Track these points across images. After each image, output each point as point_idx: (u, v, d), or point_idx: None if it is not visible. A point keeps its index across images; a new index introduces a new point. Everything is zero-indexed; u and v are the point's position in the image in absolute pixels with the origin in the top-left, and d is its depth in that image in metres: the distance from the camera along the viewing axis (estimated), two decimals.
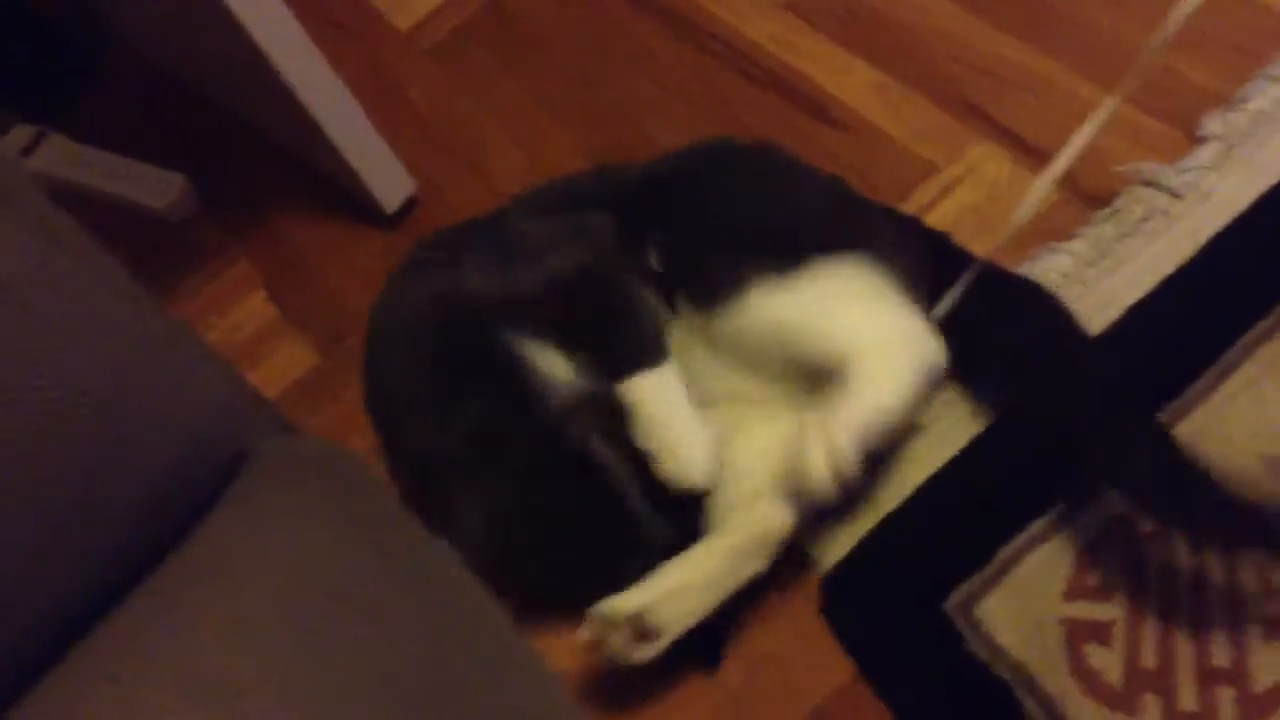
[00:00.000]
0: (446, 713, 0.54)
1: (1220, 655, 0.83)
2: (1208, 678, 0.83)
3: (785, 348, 0.95)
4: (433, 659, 0.58)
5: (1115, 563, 0.89)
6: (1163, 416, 0.93)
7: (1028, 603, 0.89)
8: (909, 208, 1.12)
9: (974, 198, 1.11)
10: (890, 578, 0.93)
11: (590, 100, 1.37)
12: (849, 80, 1.24)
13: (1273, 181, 1.01)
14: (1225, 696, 0.82)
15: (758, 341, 0.95)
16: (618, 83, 1.37)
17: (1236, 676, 0.82)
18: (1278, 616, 0.83)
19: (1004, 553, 0.92)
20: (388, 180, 1.31)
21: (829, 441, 0.88)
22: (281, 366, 1.28)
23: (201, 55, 1.41)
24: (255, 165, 1.46)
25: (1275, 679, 0.81)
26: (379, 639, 0.56)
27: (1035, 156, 1.11)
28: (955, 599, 0.91)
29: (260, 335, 1.32)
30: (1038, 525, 0.92)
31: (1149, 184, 1.05)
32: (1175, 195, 1.04)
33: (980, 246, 1.06)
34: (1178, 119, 1.08)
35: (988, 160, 1.13)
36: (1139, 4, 1.17)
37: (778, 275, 0.94)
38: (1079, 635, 0.87)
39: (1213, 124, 1.06)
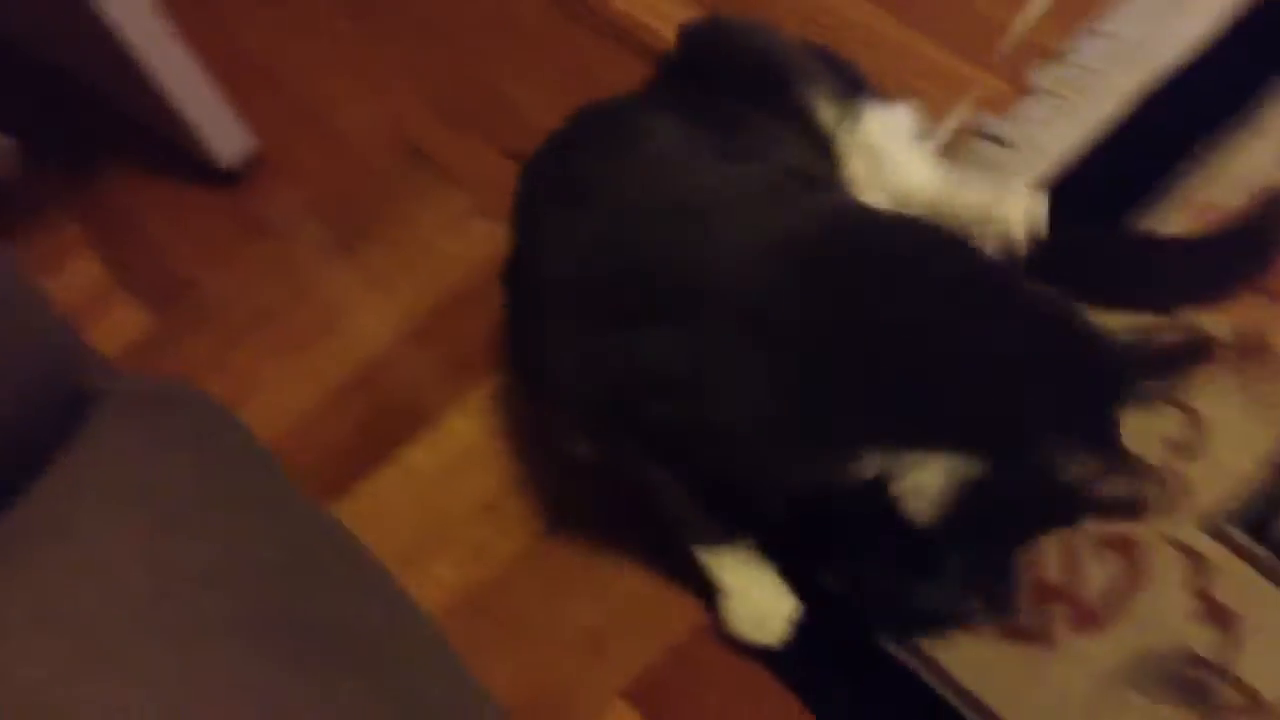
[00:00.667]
0: (300, 639, 0.53)
1: (1054, 571, 0.87)
2: (1044, 595, 0.86)
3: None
4: (288, 588, 0.57)
5: None
6: None
7: None
8: None
9: None
10: None
11: (444, 57, 1.34)
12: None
13: (1099, 134, 1.06)
14: (1060, 612, 0.86)
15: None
16: (471, 39, 1.35)
17: (1068, 592, 0.86)
18: (1105, 536, 0.88)
19: None
20: (223, 134, 1.26)
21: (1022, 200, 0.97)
22: (113, 329, 1.23)
23: (25, 8, 1.35)
24: (86, 124, 1.40)
25: (1103, 591, 0.85)
26: (232, 570, 0.56)
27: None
28: None
29: (91, 297, 1.26)
30: None
31: (983, 136, 1.09)
32: (1008, 146, 1.08)
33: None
34: (1004, 71, 1.12)
35: None
36: None
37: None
38: None
39: (1043, 77, 1.10)
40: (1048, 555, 0.88)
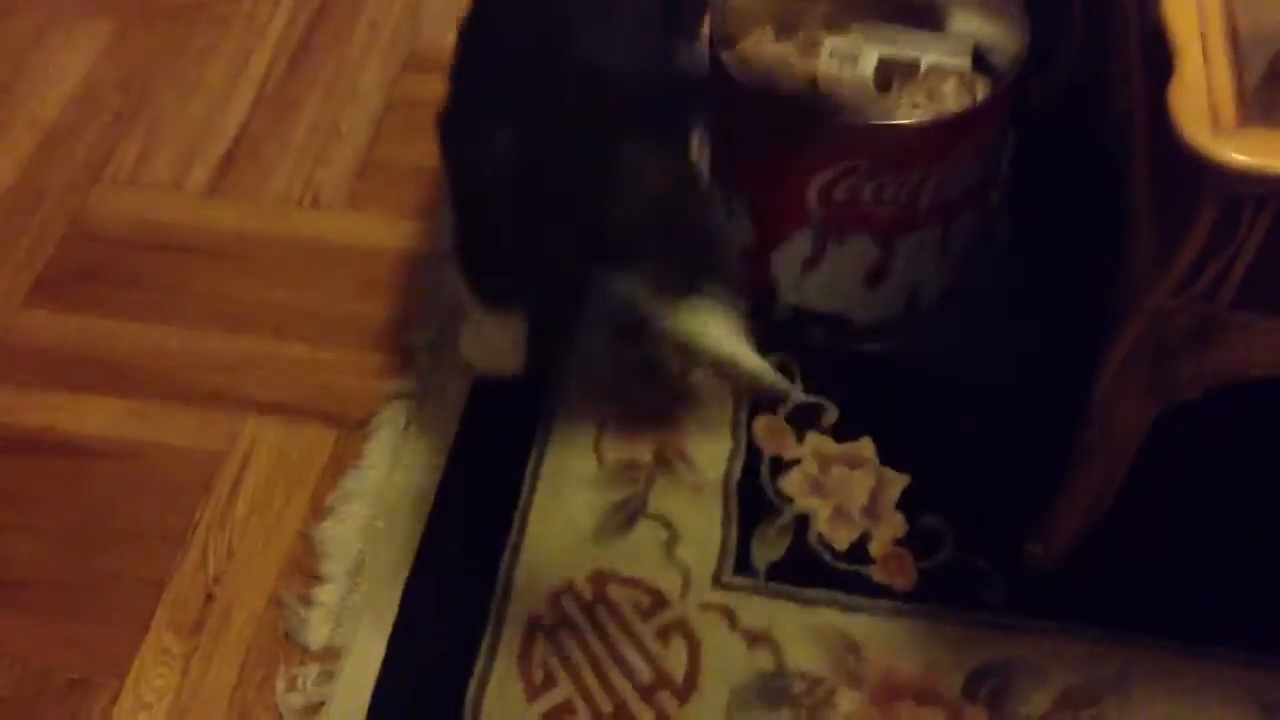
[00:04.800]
0: None
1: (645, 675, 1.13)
2: (646, 694, 1.11)
3: None
4: None
5: (550, 658, 1.13)
6: None
7: None
8: (213, 500, 1.25)
9: (269, 466, 1.28)
10: None
11: None
12: (99, 416, 1.32)
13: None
14: (665, 698, 1.11)
15: None
16: None
17: (662, 683, 1.12)
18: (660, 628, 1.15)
19: (469, 700, 1.11)
20: None
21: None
22: None
23: None
24: None
25: (686, 668, 1.13)
26: None
27: (290, 410, 1.32)
28: None
29: None
30: (479, 665, 1.13)
31: (396, 397, 1.32)
32: (418, 399, 1.32)
33: (296, 504, 1.25)
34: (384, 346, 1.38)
35: (263, 430, 1.31)
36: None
37: None
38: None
39: (413, 336, 1.37)
40: (637, 664, 1.13)
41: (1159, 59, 0.84)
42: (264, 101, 1.62)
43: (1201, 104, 0.78)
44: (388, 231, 1.48)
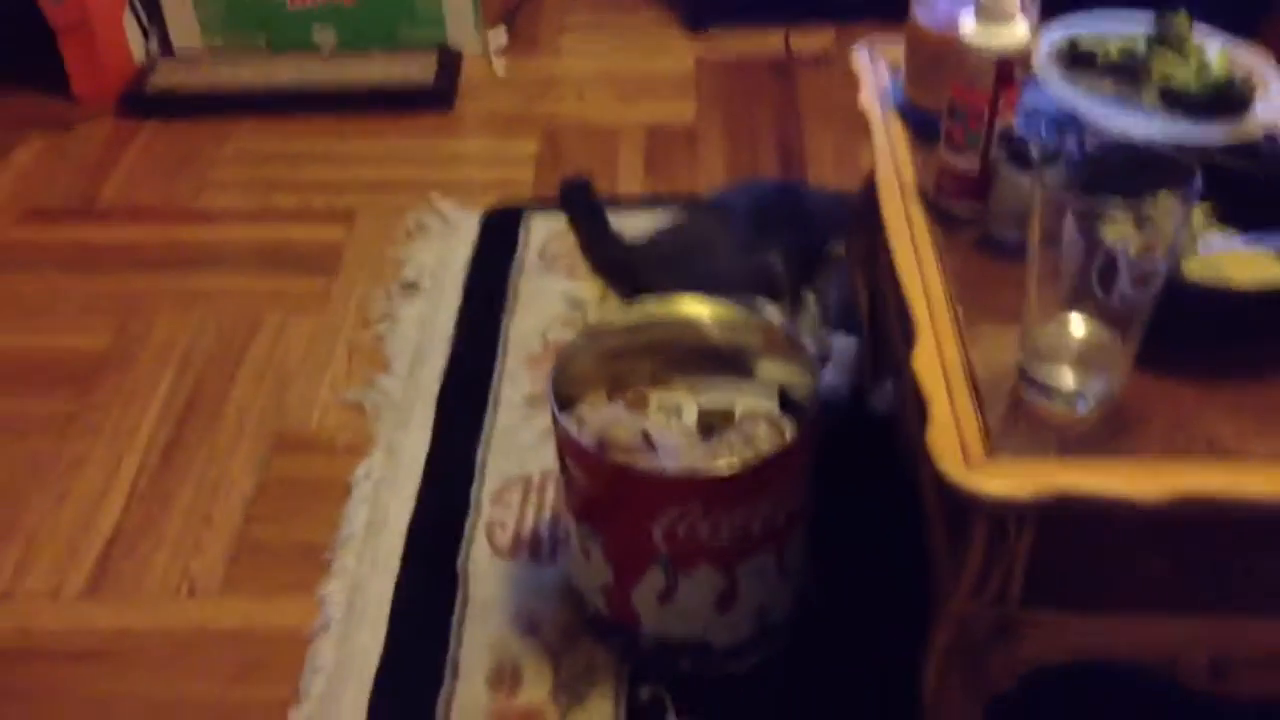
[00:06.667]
0: None
1: None
2: None
3: None
4: None
5: None
6: None
7: None
8: None
9: None
10: None
11: None
12: None
13: None
14: None
15: None
16: None
17: None
18: None
19: None
20: None
21: None
22: None
23: None
24: None
25: None
26: None
27: None
28: None
29: None
30: None
31: None
32: None
33: None
34: None
35: None
36: None
37: None
38: None
39: (297, 714, 1.41)
40: None
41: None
42: (137, 500, 1.70)
43: (954, 443, 0.93)
44: (265, 612, 1.54)
